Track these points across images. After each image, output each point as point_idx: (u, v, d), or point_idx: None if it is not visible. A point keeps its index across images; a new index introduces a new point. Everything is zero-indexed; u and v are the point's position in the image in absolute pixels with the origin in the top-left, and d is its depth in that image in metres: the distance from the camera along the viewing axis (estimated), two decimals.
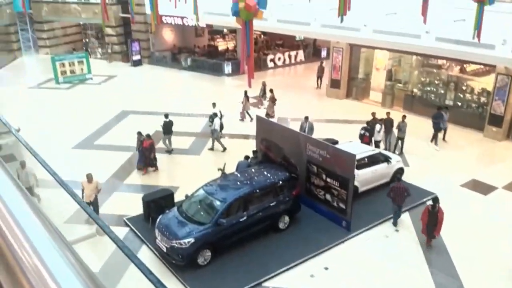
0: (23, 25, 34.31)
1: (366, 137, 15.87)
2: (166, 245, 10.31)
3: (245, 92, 19.77)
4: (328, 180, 12.02)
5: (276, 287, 9.96)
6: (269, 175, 12.12)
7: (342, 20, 15.34)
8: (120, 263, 8.04)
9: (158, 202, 11.95)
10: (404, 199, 11.96)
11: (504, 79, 17.69)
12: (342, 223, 11.89)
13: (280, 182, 11.86)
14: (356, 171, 11.96)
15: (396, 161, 14.38)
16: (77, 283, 0.97)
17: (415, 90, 21.86)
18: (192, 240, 10.12)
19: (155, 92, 24.87)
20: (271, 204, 11.44)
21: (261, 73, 27.93)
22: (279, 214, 11.64)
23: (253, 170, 12.63)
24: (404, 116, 16.76)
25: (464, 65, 20.59)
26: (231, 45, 34.34)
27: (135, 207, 12.39)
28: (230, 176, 12.32)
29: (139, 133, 15.37)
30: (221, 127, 17.11)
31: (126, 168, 15.51)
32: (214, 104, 17.95)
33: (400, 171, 14.20)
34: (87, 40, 35.59)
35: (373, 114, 16.81)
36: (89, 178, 11.89)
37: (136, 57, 31.19)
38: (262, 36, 34.39)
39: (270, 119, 17.72)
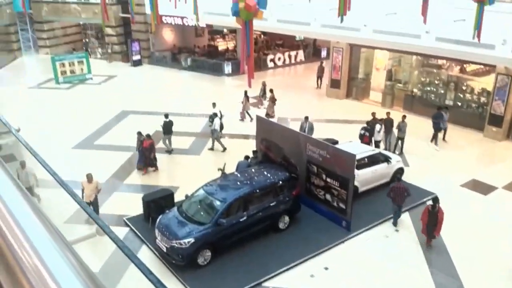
0: (23, 25, 34.31)
1: (366, 137, 15.88)
2: (166, 245, 10.31)
3: (245, 92, 19.78)
4: (328, 180, 12.02)
5: (276, 287, 9.96)
6: (269, 175, 12.12)
7: (342, 20, 15.34)
8: (120, 263, 8.04)
9: (158, 202, 11.95)
10: (404, 199, 11.97)
11: (504, 79, 17.69)
12: (342, 223, 11.89)
13: (280, 182, 11.86)
14: (356, 171, 11.96)
15: (396, 161, 14.38)
16: (77, 283, 0.97)
17: (415, 90, 21.86)
18: (192, 240, 10.12)
19: (155, 92, 24.87)
20: (271, 204, 11.44)
21: (261, 73, 27.93)
22: (279, 214, 11.64)
23: (253, 170, 12.63)
24: (404, 116, 16.76)
25: (464, 65, 20.59)
26: (231, 45, 34.34)
27: (135, 207, 12.39)
28: (230, 176, 12.32)
29: (139, 133, 15.37)
30: (221, 127, 17.11)
31: (126, 168, 15.51)
32: (214, 104, 17.96)
33: (400, 171, 14.21)
34: (87, 40, 35.60)
35: (373, 114, 16.81)
36: (89, 178, 11.89)
37: (136, 57, 31.20)
38: (262, 36, 34.39)
39: (270, 119, 17.72)
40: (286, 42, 33.89)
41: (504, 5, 16.24)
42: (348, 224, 11.79)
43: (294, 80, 28.84)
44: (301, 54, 33.23)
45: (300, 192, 12.35)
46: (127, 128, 18.69)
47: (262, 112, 19.77)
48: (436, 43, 18.51)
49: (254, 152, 14.15)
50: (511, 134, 18.23)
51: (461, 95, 20.19)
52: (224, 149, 16.89)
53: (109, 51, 32.73)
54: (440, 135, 17.65)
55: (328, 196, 12.16)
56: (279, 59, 31.83)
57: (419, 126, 18.31)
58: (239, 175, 12.32)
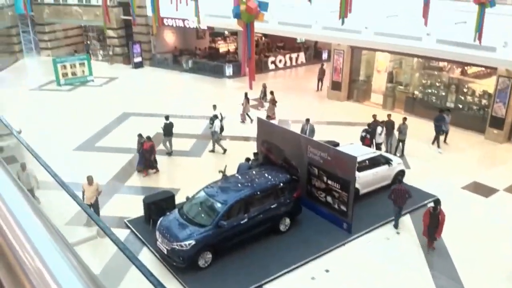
0: (24, 27, 34.41)
1: (367, 139, 15.87)
2: (167, 247, 10.30)
3: (245, 94, 19.84)
4: (329, 182, 12.02)
5: None
6: (270, 177, 12.11)
7: (343, 22, 15.34)
8: (121, 265, 8.04)
9: (159, 204, 11.95)
10: (405, 201, 11.95)
11: (505, 81, 17.68)
12: (343, 225, 11.88)
13: (281, 184, 11.85)
14: (357, 173, 11.96)
15: (397, 163, 14.37)
16: (78, 285, 0.98)
17: (416, 92, 21.86)
18: (193, 242, 10.11)
19: (156, 94, 24.90)
20: (272, 206, 11.42)
21: (262, 75, 27.95)
22: (280, 216, 11.62)
23: (254, 172, 12.62)
24: (404, 118, 16.76)
25: (465, 67, 20.58)
26: (232, 47, 34.38)
27: (136, 209, 12.39)
28: (231, 178, 12.30)
29: (140, 135, 15.38)
30: (221, 129, 17.11)
31: (127, 170, 15.51)
32: (214, 106, 17.96)
33: (401, 173, 14.19)
34: (88, 42, 35.68)
35: (374, 116, 16.79)
36: (90, 180, 11.88)
37: (138, 59, 31.25)
38: (263, 38, 34.43)
39: (271, 121, 17.72)
40: (287, 44, 33.93)
41: (505, 7, 16.25)
42: (349, 226, 11.77)
43: (295, 82, 28.85)
44: (302, 56, 33.25)
45: (301, 194, 12.34)
46: (128, 130, 18.69)
47: (262, 114, 19.78)
48: (437, 45, 18.51)
49: (255, 154, 14.15)
50: None
51: (462, 97, 20.18)
52: (224, 151, 16.89)
53: (111, 53, 32.79)
54: (441, 137, 17.63)
55: (329, 198, 12.15)
56: (280, 61, 31.85)
57: (420, 128, 18.30)
58: (240, 177, 12.30)
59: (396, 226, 12.16)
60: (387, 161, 14.02)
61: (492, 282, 10.16)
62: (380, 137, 16.29)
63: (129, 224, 12.07)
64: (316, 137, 14.80)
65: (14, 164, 9.83)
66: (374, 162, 13.73)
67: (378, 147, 16.19)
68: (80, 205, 2.22)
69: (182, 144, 17.41)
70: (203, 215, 10.88)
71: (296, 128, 16.52)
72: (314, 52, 34.44)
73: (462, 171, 15.48)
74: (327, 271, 10.47)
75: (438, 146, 17.29)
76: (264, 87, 22.56)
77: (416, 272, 10.47)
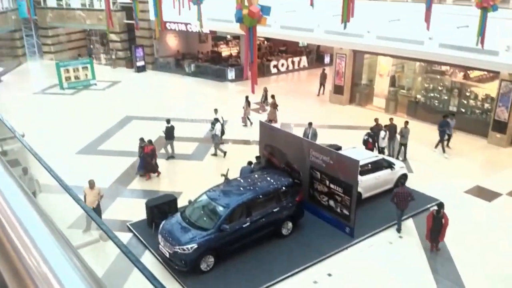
0: (28, 31, 34.58)
1: (369, 143, 15.86)
2: (169, 251, 10.30)
3: (246, 98, 19.92)
4: (332, 186, 12.00)
5: None
6: (272, 181, 12.11)
7: (345, 26, 15.37)
8: (124, 268, 8.03)
9: (161, 207, 11.96)
10: (407, 204, 11.93)
11: (508, 85, 17.66)
12: (346, 229, 11.85)
13: (283, 188, 11.84)
14: (359, 177, 11.94)
15: (399, 167, 14.35)
16: (82, 287, 0.98)
17: (418, 96, 21.84)
18: (195, 245, 10.11)
19: (159, 98, 24.96)
20: (274, 210, 11.41)
21: (264, 79, 27.97)
22: (282, 220, 11.61)
23: (256, 175, 12.62)
24: (406, 122, 16.73)
25: (468, 71, 20.57)
26: (234, 51, 34.43)
27: (138, 213, 12.40)
28: (233, 182, 12.30)
29: (141, 139, 15.39)
30: (222, 132, 17.12)
31: (129, 174, 15.53)
32: (216, 110, 17.93)
33: (403, 177, 14.18)
34: (91, 46, 35.81)
35: (376, 120, 16.80)
36: (91, 184, 11.87)
37: (140, 63, 31.34)
38: (265, 42, 34.51)
39: (273, 125, 17.73)
40: (289, 48, 33.97)
41: (507, 11, 16.25)
42: (351, 230, 11.74)
43: (297, 86, 28.87)
44: (304, 60, 33.28)
45: (303, 198, 12.32)
46: (130, 134, 18.74)
47: (263, 117, 19.80)
48: (439, 49, 18.51)
49: (257, 157, 14.15)
50: None
51: (465, 101, 20.15)
52: (225, 154, 16.88)
53: (113, 57, 32.90)
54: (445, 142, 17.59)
55: (331, 202, 12.13)
56: (282, 65, 31.90)
57: (422, 132, 18.28)
58: (242, 180, 12.30)
59: (399, 230, 12.13)
60: (390, 165, 14.01)
61: (495, 287, 10.11)
62: (384, 141, 16.28)
63: (131, 228, 12.07)
64: (319, 141, 14.80)
65: (17, 168, 9.85)
66: (376, 166, 13.71)
67: (381, 151, 16.17)
68: (84, 208, 2.22)
69: (185, 147, 17.43)
70: (205, 219, 10.88)
71: (299, 132, 16.51)
72: (316, 56, 34.47)
73: (465, 175, 15.45)
74: (329, 275, 10.45)
75: (444, 151, 17.22)
76: (265, 91, 22.60)
77: (418, 276, 10.43)
